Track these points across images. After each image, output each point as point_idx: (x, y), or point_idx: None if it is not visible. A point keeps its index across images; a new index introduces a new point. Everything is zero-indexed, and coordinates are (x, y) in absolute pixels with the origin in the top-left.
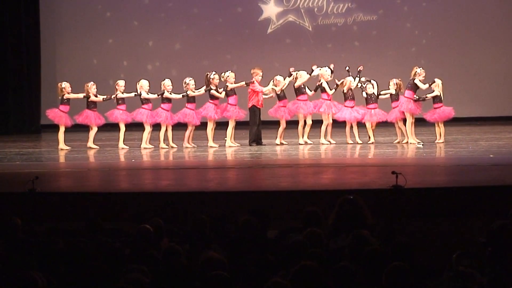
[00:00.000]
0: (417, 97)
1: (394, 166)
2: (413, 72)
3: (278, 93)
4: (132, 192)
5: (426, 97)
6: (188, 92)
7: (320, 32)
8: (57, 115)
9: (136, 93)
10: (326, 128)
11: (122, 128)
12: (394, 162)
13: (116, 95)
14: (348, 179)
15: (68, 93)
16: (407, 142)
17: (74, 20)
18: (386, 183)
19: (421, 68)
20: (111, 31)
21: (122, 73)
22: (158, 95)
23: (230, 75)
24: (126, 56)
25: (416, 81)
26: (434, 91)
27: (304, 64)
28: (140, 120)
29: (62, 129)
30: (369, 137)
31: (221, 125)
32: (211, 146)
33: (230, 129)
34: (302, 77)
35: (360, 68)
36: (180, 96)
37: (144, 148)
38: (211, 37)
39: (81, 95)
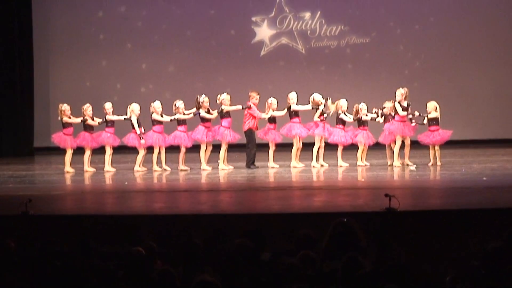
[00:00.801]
0: (414, 115)
1: (387, 188)
2: (399, 94)
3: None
4: (125, 215)
5: (424, 117)
6: (176, 116)
7: (313, 55)
8: (62, 139)
9: (125, 116)
10: (318, 150)
11: (108, 151)
12: (387, 185)
13: (105, 117)
14: (341, 201)
15: (68, 117)
16: (391, 165)
17: (67, 42)
18: (379, 205)
19: (403, 89)
20: (105, 54)
21: (115, 95)
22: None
23: (225, 98)
24: (120, 79)
25: (396, 104)
26: (430, 113)
27: (297, 86)
28: (132, 145)
29: (69, 152)
30: (360, 159)
31: (217, 147)
32: (203, 169)
33: (222, 152)
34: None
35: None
36: (168, 119)
37: (137, 171)
38: (205, 59)
39: (79, 120)
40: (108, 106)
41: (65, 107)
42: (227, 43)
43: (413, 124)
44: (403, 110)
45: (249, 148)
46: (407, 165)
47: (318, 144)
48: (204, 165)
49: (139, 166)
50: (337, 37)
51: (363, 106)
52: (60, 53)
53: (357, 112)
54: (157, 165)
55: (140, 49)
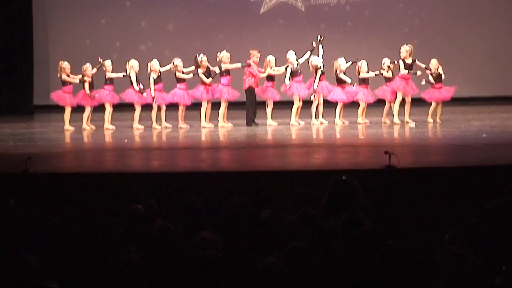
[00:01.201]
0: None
1: (387, 146)
2: (403, 50)
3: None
4: (124, 172)
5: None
6: (178, 75)
7: (312, 12)
8: (61, 97)
9: (124, 73)
10: (317, 108)
11: (108, 108)
12: (387, 142)
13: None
14: (340, 159)
15: (67, 75)
16: (385, 122)
17: (66, 0)
18: (379, 163)
19: (407, 46)
20: (104, 12)
21: (114, 53)
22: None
23: (225, 55)
24: (119, 37)
25: (400, 62)
26: (432, 70)
27: (297, 44)
28: (130, 101)
29: (68, 110)
30: (360, 117)
31: (217, 105)
32: (203, 127)
33: (222, 110)
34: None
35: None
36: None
37: (137, 128)
38: (204, 17)
39: (77, 80)
40: (108, 63)
41: (65, 64)
42: (226, 1)
43: (423, 83)
44: (407, 67)
45: (248, 106)
46: (407, 122)
47: (316, 102)
48: (203, 123)
49: (138, 123)
50: None
51: (363, 64)
52: (59, 11)
53: (358, 72)
54: (156, 122)
55: (139, 7)
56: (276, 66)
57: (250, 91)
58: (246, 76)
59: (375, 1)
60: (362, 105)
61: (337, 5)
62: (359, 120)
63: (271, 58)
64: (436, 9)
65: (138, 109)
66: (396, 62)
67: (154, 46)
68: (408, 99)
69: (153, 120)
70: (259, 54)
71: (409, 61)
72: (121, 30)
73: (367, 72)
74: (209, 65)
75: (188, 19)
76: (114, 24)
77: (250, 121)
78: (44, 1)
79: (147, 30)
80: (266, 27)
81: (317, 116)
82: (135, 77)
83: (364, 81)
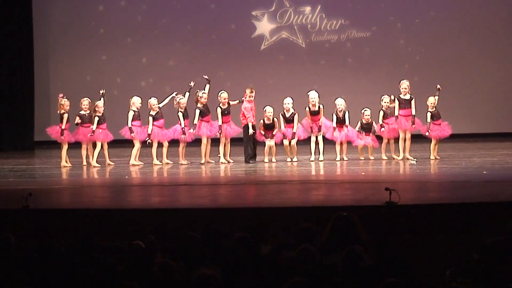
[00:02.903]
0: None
1: (388, 182)
2: (403, 87)
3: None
4: (125, 209)
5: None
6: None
7: (313, 49)
8: (57, 132)
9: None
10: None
11: (98, 146)
12: (388, 179)
13: (95, 115)
14: (341, 195)
15: (65, 111)
16: (402, 159)
17: (67, 37)
18: (380, 199)
19: (404, 81)
20: (105, 48)
21: (115, 89)
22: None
23: (222, 95)
24: (120, 73)
25: (413, 101)
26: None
27: (297, 81)
28: (128, 137)
29: (65, 147)
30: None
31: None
32: (201, 163)
33: (221, 147)
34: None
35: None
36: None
37: (132, 164)
38: (205, 53)
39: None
40: (100, 104)
41: (65, 101)
42: (227, 37)
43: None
44: (403, 103)
45: (245, 143)
46: (407, 159)
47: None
48: (203, 159)
49: (135, 159)
50: (338, 31)
51: (366, 112)
52: (60, 47)
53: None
54: (157, 159)
55: (140, 43)
56: (276, 102)
57: (246, 129)
58: (243, 113)
59: (375, 38)
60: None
61: (337, 42)
62: (370, 156)
63: (267, 109)
64: (437, 46)
65: (136, 145)
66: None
67: (155, 82)
68: (407, 136)
69: (153, 156)
70: (250, 93)
71: (407, 97)
72: (122, 66)
73: (369, 121)
74: (206, 104)
75: (189, 55)
76: (115, 60)
77: (248, 158)
78: (46, 37)
79: (148, 66)
80: (267, 63)
81: (317, 153)
82: (132, 115)
83: (368, 129)
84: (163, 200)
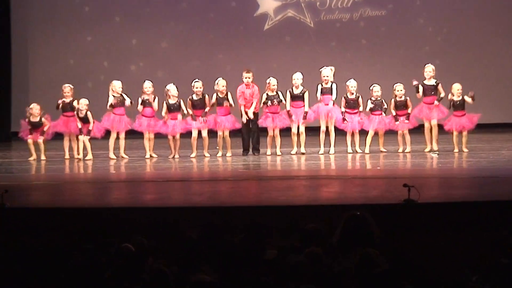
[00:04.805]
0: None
1: (406, 178)
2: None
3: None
4: (112, 207)
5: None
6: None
7: (323, 29)
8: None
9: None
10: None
11: (81, 139)
12: (406, 174)
13: (78, 114)
14: (354, 192)
15: (37, 116)
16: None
17: (48, 16)
18: (397, 197)
19: (429, 65)
20: (90, 28)
21: (102, 74)
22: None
23: (219, 83)
24: (107, 56)
25: (440, 86)
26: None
27: (305, 64)
28: (107, 127)
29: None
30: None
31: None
32: (191, 157)
33: (219, 139)
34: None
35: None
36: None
37: (110, 158)
38: (202, 34)
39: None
40: (83, 102)
41: (34, 107)
42: (227, 16)
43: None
44: (428, 89)
45: (243, 134)
46: (429, 151)
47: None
48: (194, 153)
49: (125, 152)
50: (350, 9)
51: (374, 88)
52: (40, 28)
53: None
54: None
55: (130, 23)
56: (280, 89)
57: (242, 116)
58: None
59: (392, 17)
60: (371, 133)
61: (350, 21)
62: (367, 148)
63: (271, 80)
64: (461, 25)
65: (112, 135)
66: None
67: (146, 66)
68: (433, 123)
69: (147, 149)
70: (248, 75)
71: (431, 82)
72: (109, 48)
73: (378, 98)
74: (203, 93)
75: (184, 37)
76: (102, 42)
77: (245, 151)
78: (24, 19)
79: (138, 49)
80: (271, 45)
81: (331, 145)
82: (111, 101)
83: (378, 107)
84: (155, 198)
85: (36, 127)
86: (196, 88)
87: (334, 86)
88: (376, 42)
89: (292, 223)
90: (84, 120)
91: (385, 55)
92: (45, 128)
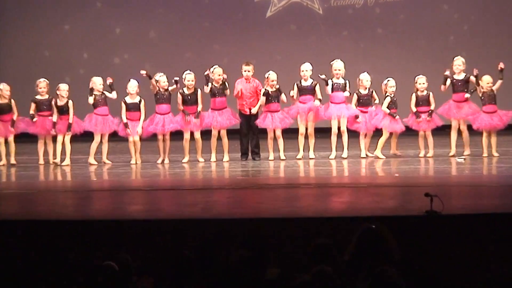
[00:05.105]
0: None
1: (428, 186)
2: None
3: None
4: (93, 220)
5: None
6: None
7: (333, 16)
8: None
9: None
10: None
11: (60, 139)
12: (428, 182)
13: (56, 101)
14: (368, 203)
15: (8, 99)
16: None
17: (20, 2)
18: (418, 208)
19: (459, 57)
20: (68, 15)
21: (81, 68)
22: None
23: (215, 71)
24: (87, 47)
25: (472, 78)
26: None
27: (312, 56)
28: (88, 129)
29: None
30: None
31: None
32: (183, 162)
33: (213, 140)
34: None
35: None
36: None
37: (90, 163)
38: (195, 22)
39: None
40: (63, 87)
41: (3, 86)
42: (224, 2)
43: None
44: (457, 84)
45: (240, 136)
46: (453, 155)
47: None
48: (186, 158)
49: (107, 157)
50: None
51: (389, 82)
52: (11, 16)
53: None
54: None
55: (113, 9)
56: (285, 84)
57: (241, 116)
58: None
59: (412, 2)
60: (386, 135)
61: (364, 7)
62: (392, 151)
63: (271, 75)
64: (491, 11)
65: (96, 139)
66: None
67: (131, 59)
68: (461, 126)
69: (132, 154)
70: (248, 68)
71: (460, 76)
72: (90, 38)
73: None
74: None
75: (175, 25)
76: (81, 31)
77: (243, 155)
78: None
79: (122, 39)
80: (274, 35)
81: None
82: (93, 100)
83: (395, 105)
84: (141, 209)
85: (3, 111)
86: (188, 81)
87: (347, 82)
88: (394, 31)
89: (298, 237)
90: (63, 111)
91: (404, 46)
92: (14, 117)
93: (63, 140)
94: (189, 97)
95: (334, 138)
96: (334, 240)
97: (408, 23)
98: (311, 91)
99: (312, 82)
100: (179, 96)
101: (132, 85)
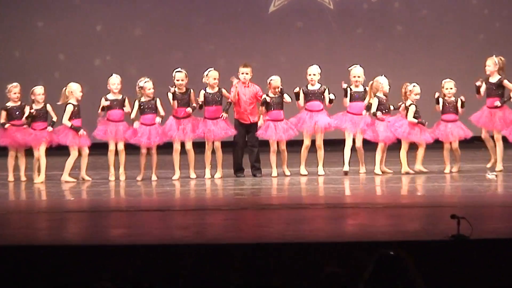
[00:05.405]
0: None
1: (454, 207)
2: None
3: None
4: (68, 245)
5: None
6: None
7: (346, 11)
8: None
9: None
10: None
11: (36, 153)
12: (454, 201)
13: (31, 108)
14: (386, 226)
15: None
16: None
17: None
18: (443, 231)
19: (492, 58)
20: (42, 11)
21: (56, 70)
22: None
23: (210, 74)
24: (64, 47)
25: (506, 82)
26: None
27: (322, 58)
28: (63, 143)
29: None
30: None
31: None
32: (173, 179)
33: (207, 154)
34: None
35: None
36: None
37: (66, 181)
38: (187, 19)
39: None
40: (38, 91)
41: None
42: None
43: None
44: (490, 88)
45: (234, 147)
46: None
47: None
48: (177, 174)
49: (83, 173)
50: None
51: (414, 89)
52: None
53: (405, 95)
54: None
55: (94, 4)
56: (290, 90)
57: (236, 126)
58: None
59: None
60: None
61: (381, 1)
62: (417, 167)
63: (274, 79)
64: None
65: (73, 155)
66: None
67: (114, 60)
68: (496, 136)
69: (111, 169)
70: (246, 70)
71: (494, 79)
72: (67, 36)
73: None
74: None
75: (164, 21)
76: (57, 28)
77: (238, 171)
78: None
79: (104, 37)
80: (278, 33)
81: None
82: (71, 110)
83: (419, 114)
84: (125, 233)
85: (13, 117)
86: (177, 80)
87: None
88: (415, 29)
89: (305, 266)
90: (40, 118)
91: (427, 45)
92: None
93: (39, 155)
94: (180, 97)
95: (347, 152)
96: (346, 268)
97: (431, 19)
98: (319, 96)
99: (321, 86)
100: (170, 95)
101: (115, 82)
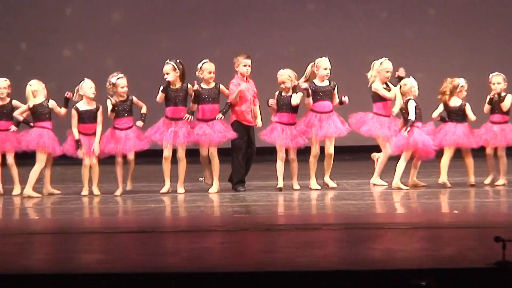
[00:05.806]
0: None
1: (500, 228)
2: None
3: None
4: (33, 273)
5: None
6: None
7: None
8: None
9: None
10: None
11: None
12: (499, 221)
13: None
14: (416, 250)
15: None
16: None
17: None
18: (485, 257)
19: None
20: None
21: (17, 64)
22: None
23: (204, 67)
24: (26, 35)
25: None
26: None
27: (337, 47)
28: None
29: None
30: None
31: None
32: (161, 192)
33: (203, 161)
34: None
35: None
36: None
37: (29, 196)
38: (176, 2)
39: None
40: (2, 84)
41: None
42: None
43: None
44: None
45: (233, 154)
46: None
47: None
48: (165, 187)
49: (49, 186)
50: None
51: (460, 82)
52: None
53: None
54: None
55: None
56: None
57: (236, 129)
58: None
59: None
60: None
61: None
62: (442, 178)
63: (283, 75)
64: None
65: (38, 165)
66: None
67: (87, 50)
68: None
69: (84, 183)
70: (246, 61)
71: None
72: (30, 23)
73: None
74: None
75: (148, 4)
76: (17, 11)
77: (238, 184)
78: None
79: (76, 23)
80: (285, 19)
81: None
82: (23, 110)
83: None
84: (100, 259)
85: None
86: (166, 74)
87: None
88: (451, 13)
89: None
90: (4, 115)
91: (465, 33)
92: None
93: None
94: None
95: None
96: None
97: (470, 2)
98: (328, 94)
99: (330, 83)
100: (161, 95)
101: (88, 86)
